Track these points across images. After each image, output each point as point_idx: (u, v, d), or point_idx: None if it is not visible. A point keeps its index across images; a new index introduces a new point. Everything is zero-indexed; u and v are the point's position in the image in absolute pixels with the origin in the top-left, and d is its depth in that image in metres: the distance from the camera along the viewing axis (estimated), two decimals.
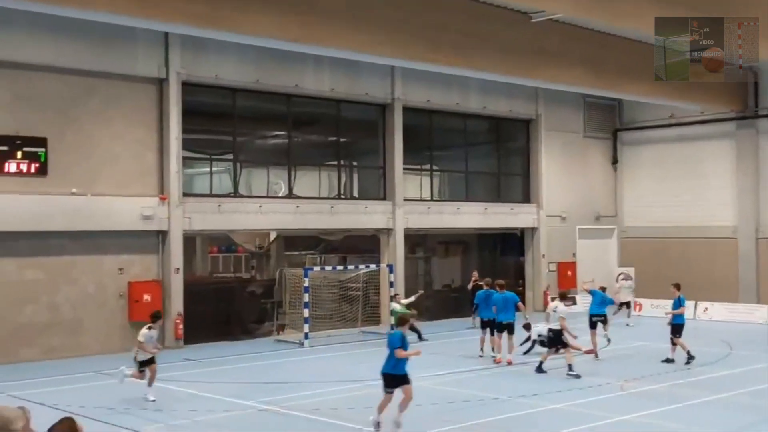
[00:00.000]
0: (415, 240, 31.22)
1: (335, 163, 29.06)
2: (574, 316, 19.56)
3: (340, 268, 27.48)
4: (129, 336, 22.45)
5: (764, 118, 31.37)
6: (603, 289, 23.53)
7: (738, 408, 15.32)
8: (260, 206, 25.31)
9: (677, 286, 20.62)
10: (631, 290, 29.04)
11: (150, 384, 15.90)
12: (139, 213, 22.62)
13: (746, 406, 15.38)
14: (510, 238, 33.86)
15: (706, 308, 29.65)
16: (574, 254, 34.03)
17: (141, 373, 15.94)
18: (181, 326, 23.05)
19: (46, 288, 21.39)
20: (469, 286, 27.19)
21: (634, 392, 16.84)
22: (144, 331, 16.05)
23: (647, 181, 34.93)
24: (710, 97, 29.97)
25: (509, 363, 19.98)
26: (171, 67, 23.15)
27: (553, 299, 21.42)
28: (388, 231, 28.46)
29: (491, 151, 33.90)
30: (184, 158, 23.93)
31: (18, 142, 20.77)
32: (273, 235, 29.17)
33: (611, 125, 35.78)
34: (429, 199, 30.65)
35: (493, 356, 20.08)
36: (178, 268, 23.27)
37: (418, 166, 30.80)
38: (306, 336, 23.45)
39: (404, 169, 28.85)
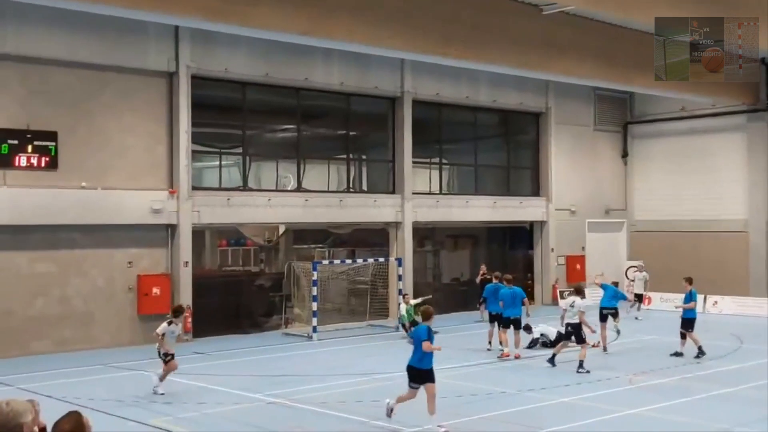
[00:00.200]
0: (424, 233, 31.22)
1: (344, 156, 29.06)
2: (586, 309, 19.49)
3: (348, 261, 27.50)
4: (138, 329, 22.61)
5: None
6: (615, 284, 23.50)
7: (747, 402, 15.28)
8: (269, 200, 25.35)
9: (689, 281, 20.55)
10: (645, 282, 28.84)
11: (162, 379, 15.82)
12: (149, 206, 22.68)
13: (755, 400, 15.33)
14: (519, 232, 33.83)
15: (716, 302, 29.57)
16: (583, 248, 33.98)
17: (167, 364, 15.85)
18: (190, 319, 23.10)
19: (57, 281, 21.48)
20: (478, 280, 27.19)
21: (643, 386, 16.82)
22: (164, 324, 15.93)
23: (657, 175, 34.83)
24: (721, 90, 29.79)
25: (517, 357, 19.99)
26: (181, 61, 23.18)
27: (569, 294, 21.38)
28: (397, 224, 28.45)
29: (501, 145, 33.84)
30: (194, 152, 23.97)
31: (29, 135, 20.85)
32: (282, 229, 29.22)
33: (622, 118, 35.67)
34: (438, 192, 30.62)
35: (501, 350, 20.08)
36: (187, 262, 23.33)
37: (428, 160, 30.77)
38: (314, 329, 23.49)
39: (413, 162, 28.84)
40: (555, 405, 15.02)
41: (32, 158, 20.88)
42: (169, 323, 15.94)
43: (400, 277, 26.37)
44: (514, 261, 33.81)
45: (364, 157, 30.80)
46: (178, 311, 16.58)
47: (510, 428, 13.13)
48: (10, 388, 15.99)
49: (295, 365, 19.62)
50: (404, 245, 28.28)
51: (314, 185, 27.47)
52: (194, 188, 23.84)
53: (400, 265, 26.57)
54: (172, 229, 23.35)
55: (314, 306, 23.63)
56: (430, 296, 26.09)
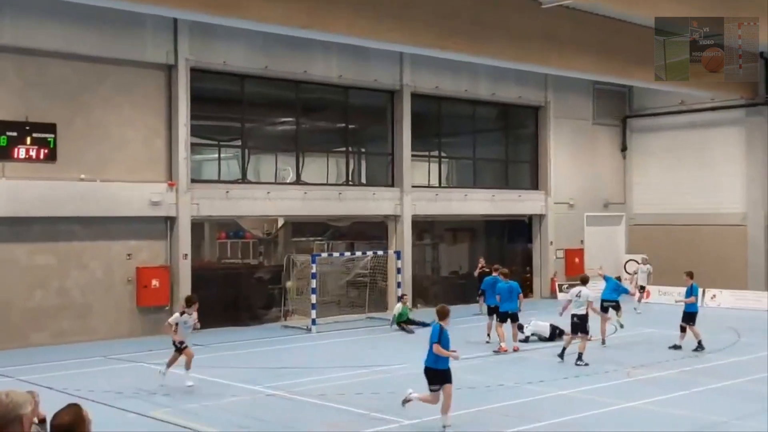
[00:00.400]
0: (423, 227, 31.25)
1: (343, 149, 29.05)
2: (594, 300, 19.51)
3: (347, 254, 27.53)
4: (137, 321, 22.66)
5: None
6: (618, 278, 23.54)
7: (745, 395, 15.32)
8: (268, 192, 25.35)
9: (690, 275, 20.55)
10: (648, 274, 28.75)
11: (187, 368, 15.61)
12: (148, 199, 22.69)
13: (753, 393, 15.37)
14: (518, 225, 33.85)
15: (714, 295, 29.61)
16: (581, 241, 34.01)
17: (182, 352, 15.71)
18: (180, 310, 23.10)
19: (56, 273, 21.50)
20: (476, 273, 27.23)
21: (641, 379, 16.88)
22: (176, 315, 15.86)
23: (656, 169, 34.86)
24: (720, 85, 29.73)
25: (515, 350, 20.02)
26: (180, 54, 23.16)
27: (567, 287, 21.40)
28: (396, 218, 28.47)
29: (500, 138, 33.84)
30: (193, 144, 23.97)
31: (27, 128, 20.83)
32: (281, 222, 29.24)
33: (620, 112, 35.68)
34: (437, 185, 30.63)
35: (499, 344, 20.04)
36: (186, 254, 23.35)
37: (427, 153, 30.78)
38: (313, 322, 23.53)
39: (412, 155, 28.84)
40: (553, 398, 15.06)
41: (31, 150, 20.87)
42: (182, 313, 15.79)
43: (399, 270, 26.40)
44: (513, 254, 33.86)
45: (363, 150, 30.80)
46: (189, 301, 16.29)
47: (508, 421, 13.16)
48: (9, 379, 16.02)
49: (294, 357, 19.66)
50: (403, 238, 28.31)
51: (313, 178, 27.47)
52: (193, 181, 23.85)
53: (399, 258, 26.60)
54: (171, 221, 23.37)
55: (313, 298, 23.66)
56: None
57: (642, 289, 28.53)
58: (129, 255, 22.66)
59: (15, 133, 20.65)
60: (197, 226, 25.01)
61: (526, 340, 21.22)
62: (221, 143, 26.58)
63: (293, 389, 15.65)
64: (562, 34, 24.50)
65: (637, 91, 34.90)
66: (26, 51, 20.96)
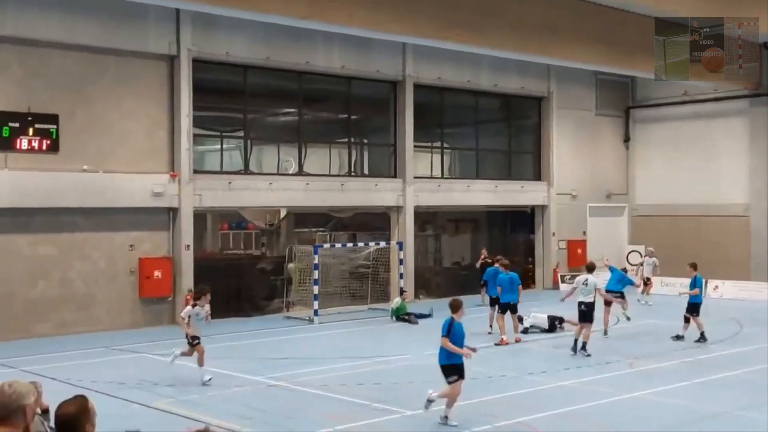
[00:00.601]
0: (425, 217, 31.24)
1: (346, 140, 29.04)
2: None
3: (350, 245, 27.53)
4: (140, 312, 22.71)
5: None
6: (624, 270, 23.51)
7: (747, 386, 15.33)
8: (270, 183, 25.35)
9: (694, 266, 20.53)
10: (654, 267, 28.65)
11: (200, 364, 15.33)
12: (150, 190, 22.70)
13: (755, 384, 15.38)
14: (520, 216, 33.84)
15: (717, 286, 29.59)
16: (584, 232, 34.01)
17: (191, 347, 15.49)
18: (191, 303, 23.11)
19: (59, 264, 21.53)
20: (478, 264, 27.24)
21: (643, 370, 16.90)
22: (188, 308, 15.64)
23: (659, 159, 34.81)
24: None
25: (517, 341, 20.04)
26: (182, 44, 23.13)
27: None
28: (398, 208, 28.47)
29: (502, 129, 33.79)
30: (195, 135, 23.97)
31: (30, 118, 20.83)
32: (283, 212, 29.25)
33: (623, 103, 35.61)
34: (439, 176, 30.62)
35: (501, 337, 20.00)
36: (188, 245, 23.38)
37: (429, 144, 30.75)
38: (315, 313, 23.56)
39: (415, 146, 28.82)
40: (555, 388, 15.09)
41: (33, 141, 20.88)
42: (193, 306, 15.61)
43: (401, 261, 26.42)
44: (515, 245, 33.86)
45: (365, 141, 30.79)
46: (199, 293, 16.04)
47: (511, 411, 13.18)
48: (12, 370, 16.07)
49: (296, 348, 19.69)
50: (405, 229, 28.31)
51: (315, 169, 27.47)
52: (195, 172, 23.85)
53: (401, 249, 26.61)
54: (173, 212, 23.39)
55: (315, 289, 23.68)
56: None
57: (647, 281, 28.47)
58: (131, 246, 22.68)
59: (17, 124, 20.65)
60: (199, 217, 25.03)
61: (525, 331, 21.23)
62: (223, 134, 26.58)
63: (295, 380, 15.68)
64: (565, 24, 24.45)
65: (640, 82, 34.83)
66: (28, 42, 20.94)
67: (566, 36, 24.78)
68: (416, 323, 23.13)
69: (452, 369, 12.16)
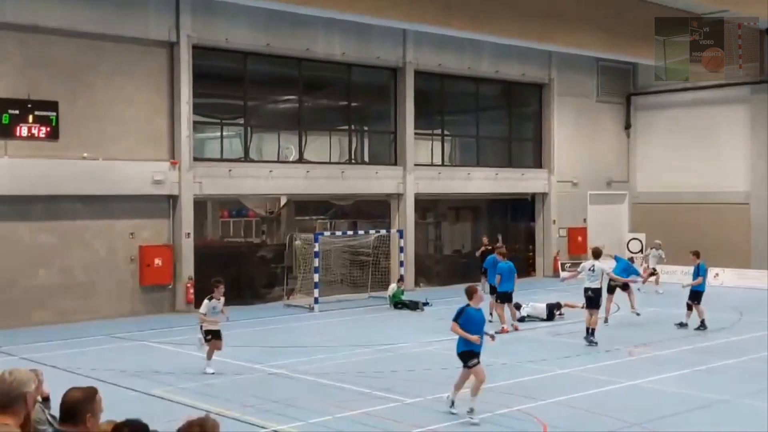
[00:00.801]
0: (426, 205, 31.22)
1: (346, 127, 28.98)
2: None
3: (350, 233, 27.52)
4: (140, 300, 22.72)
5: None
6: (631, 260, 23.44)
7: (747, 374, 15.35)
8: (271, 171, 25.31)
9: (696, 254, 20.42)
10: (659, 259, 28.48)
11: (209, 358, 15.22)
12: (150, 177, 22.66)
13: (755, 371, 15.39)
14: (521, 204, 33.82)
15: (717, 274, 29.56)
16: (584, 220, 33.99)
17: (208, 342, 15.35)
18: (192, 290, 23.18)
19: (59, 252, 21.52)
20: (478, 253, 27.26)
21: (643, 357, 16.91)
22: (205, 302, 15.36)
23: (660, 147, 34.75)
24: None
25: (515, 329, 20.03)
26: (182, 31, 23.05)
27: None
28: (399, 196, 28.44)
29: (503, 116, 33.71)
30: (195, 123, 23.92)
31: (29, 105, 20.78)
32: (283, 200, 29.22)
33: (624, 90, 35.52)
34: (440, 164, 30.58)
35: (501, 326, 19.93)
36: (188, 233, 23.37)
37: (429, 131, 30.70)
38: (316, 301, 23.56)
39: (415, 134, 28.76)
40: (555, 376, 15.10)
41: (33, 128, 20.82)
42: (210, 299, 15.43)
43: (401, 249, 26.41)
44: (516, 233, 33.85)
45: (365, 128, 30.73)
46: (214, 285, 15.65)
47: (510, 399, 13.19)
48: (13, 358, 16.08)
49: (296, 336, 19.70)
50: (406, 217, 28.29)
51: (316, 156, 27.42)
52: (195, 159, 23.81)
53: (401, 237, 26.60)
54: (173, 200, 23.36)
55: (316, 277, 23.68)
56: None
57: (653, 272, 28.32)
58: (132, 234, 22.66)
59: (17, 111, 20.60)
60: (200, 204, 25.01)
61: (522, 320, 21.19)
62: (223, 121, 26.53)
63: (295, 368, 15.69)
64: (566, 10, 24.37)
65: (641, 69, 34.70)
66: (28, 28, 20.86)
67: (568, 22, 24.72)
68: (422, 310, 23.23)
69: (470, 355, 12.02)
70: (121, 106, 22.44)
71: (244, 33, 24.31)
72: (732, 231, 31.99)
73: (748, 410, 12.84)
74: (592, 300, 18.29)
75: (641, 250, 32.66)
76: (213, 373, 15.11)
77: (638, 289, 27.12)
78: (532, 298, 22.74)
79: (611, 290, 21.18)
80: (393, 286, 24.50)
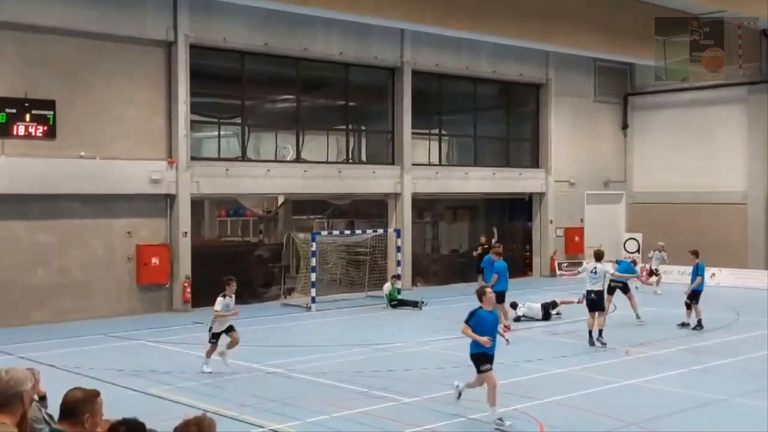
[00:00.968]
0: (423, 205, 31.23)
1: (344, 127, 28.98)
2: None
3: (347, 232, 27.53)
4: (137, 299, 22.70)
5: None
6: (634, 262, 23.46)
7: (744, 373, 15.37)
8: (268, 170, 25.31)
9: (695, 253, 20.41)
10: (661, 261, 28.46)
11: (208, 356, 15.15)
12: (148, 177, 22.66)
13: (752, 371, 15.42)
14: (518, 204, 33.84)
15: (714, 274, 29.57)
16: (581, 220, 34.01)
17: (212, 345, 15.25)
18: (188, 290, 23.18)
19: (57, 251, 21.51)
20: (475, 253, 27.27)
21: (640, 357, 16.93)
22: (219, 299, 15.32)
23: (657, 147, 34.78)
24: None
25: (507, 328, 19.99)
26: (179, 30, 23.04)
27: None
28: (396, 196, 28.45)
29: (500, 116, 33.74)
30: (193, 122, 23.91)
31: (27, 104, 20.76)
32: (281, 200, 29.21)
33: (622, 90, 35.55)
34: (437, 163, 30.58)
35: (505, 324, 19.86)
36: (186, 232, 23.36)
37: (427, 131, 30.70)
38: (313, 300, 23.57)
39: (413, 133, 28.77)
40: (551, 375, 15.11)
41: (30, 127, 20.81)
42: (223, 296, 15.40)
43: (398, 249, 26.42)
44: (513, 232, 33.87)
45: (363, 128, 30.73)
46: (226, 283, 15.70)
47: (507, 399, 13.17)
48: (10, 356, 16.07)
49: (293, 336, 19.70)
50: (403, 216, 28.30)
51: (313, 156, 27.43)
52: (193, 158, 23.81)
53: (399, 236, 26.61)
54: (171, 199, 23.35)
55: (313, 277, 23.68)
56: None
57: (655, 272, 28.26)
58: (129, 233, 22.66)
59: (14, 110, 20.59)
60: (197, 203, 25.01)
61: (518, 319, 21.20)
62: (221, 121, 26.52)
63: (292, 367, 15.70)
64: (565, 10, 24.38)
65: (638, 69, 34.74)
66: (26, 27, 20.85)
67: (566, 22, 24.74)
68: (421, 309, 23.27)
69: (482, 358, 11.75)
70: (119, 106, 22.43)
71: (241, 32, 24.30)
72: (729, 231, 32.03)
73: (745, 409, 12.86)
74: (596, 303, 18.07)
75: (638, 250, 32.70)
76: (210, 372, 15.11)
77: (636, 287, 27.17)
78: (528, 297, 22.77)
79: (611, 291, 21.15)
80: (388, 285, 24.53)
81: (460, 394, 12.35)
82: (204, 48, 23.93)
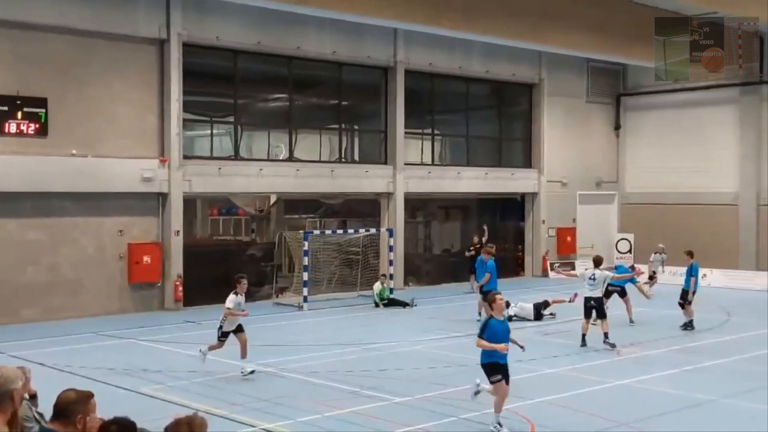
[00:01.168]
0: (416, 204, 31.24)
1: (336, 126, 28.96)
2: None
3: (340, 231, 27.51)
4: (129, 297, 22.64)
5: None
6: (632, 267, 23.51)
7: (734, 374, 15.42)
8: (261, 169, 25.28)
9: (690, 254, 20.45)
10: (660, 263, 28.47)
11: (243, 355, 14.97)
12: (140, 175, 22.60)
13: (742, 372, 15.48)
14: (510, 203, 33.87)
15: (705, 275, 29.62)
16: (574, 220, 34.06)
17: (221, 342, 15.12)
18: (180, 288, 23.14)
19: (48, 249, 21.43)
20: (468, 254, 27.29)
21: (631, 357, 16.95)
22: (230, 297, 15.13)
23: (649, 147, 34.85)
24: None
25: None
26: (172, 28, 22.98)
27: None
28: (389, 195, 28.44)
29: (493, 116, 33.76)
30: (185, 120, 23.86)
31: (18, 102, 20.68)
32: (273, 199, 29.19)
33: (614, 90, 35.61)
34: (430, 163, 30.60)
35: None
36: (178, 231, 23.31)
37: (420, 130, 30.71)
38: (305, 299, 23.55)
39: (405, 133, 28.77)
40: (543, 375, 15.13)
41: (22, 125, 20.73)
42: (235, 294, 15.26)
43: (391, 248, 26.41)
44: (505, 232, 33.89)
45: (356, 127, 30.72)
46: (237, 280, 15.53)
47: None
48: (1, 355, 16.00)
49: (285, 335, 19.68)
50: (396, 216, 28.30)
51: (306, 155, 27.40)
52: (185, 157, 23.75)
53: (391, 235, 26.60)
54: (163, 197, 23.30)
55: (305, 276, 23.65)
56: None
57: (652, 276, 28.24)
58: (121, 231, 22.59)
59: (5, 108, 20.51)
60: (189, 202, 24.95)
61: (510, 319, 21.16)
62: (214, 119, 26.47)
63: (284, 366, 15.69)
64: (557, 10, 24.40)
65: (631, 69, 34.81)
66: (18, 25, 20.77)
67: (559, 22, 24.76)
68: (411, 307, 23.28)
69: (493, 368, 11.51)
70: (111, 104, 22.37)
71: (234, 31, 24.26)
72: (720, 232, 32.10)
73: (736, 410, 12.90)
74: (595, 309, 17.98)
75: (630, 250, 32.74)
76: (253, 372, 14.75)
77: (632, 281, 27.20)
78: (521, 297, 22.80)
79: (608, 295, 21.15)
80: (378, 285, 24.52)
81: (477, 393, 12.01)
82: (197, 46, 23.87)
